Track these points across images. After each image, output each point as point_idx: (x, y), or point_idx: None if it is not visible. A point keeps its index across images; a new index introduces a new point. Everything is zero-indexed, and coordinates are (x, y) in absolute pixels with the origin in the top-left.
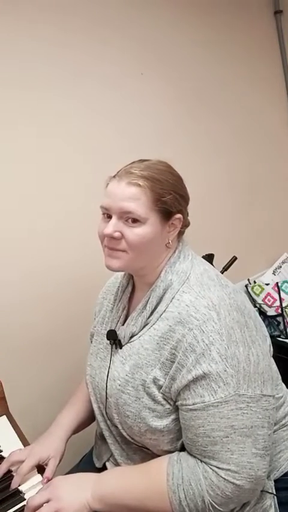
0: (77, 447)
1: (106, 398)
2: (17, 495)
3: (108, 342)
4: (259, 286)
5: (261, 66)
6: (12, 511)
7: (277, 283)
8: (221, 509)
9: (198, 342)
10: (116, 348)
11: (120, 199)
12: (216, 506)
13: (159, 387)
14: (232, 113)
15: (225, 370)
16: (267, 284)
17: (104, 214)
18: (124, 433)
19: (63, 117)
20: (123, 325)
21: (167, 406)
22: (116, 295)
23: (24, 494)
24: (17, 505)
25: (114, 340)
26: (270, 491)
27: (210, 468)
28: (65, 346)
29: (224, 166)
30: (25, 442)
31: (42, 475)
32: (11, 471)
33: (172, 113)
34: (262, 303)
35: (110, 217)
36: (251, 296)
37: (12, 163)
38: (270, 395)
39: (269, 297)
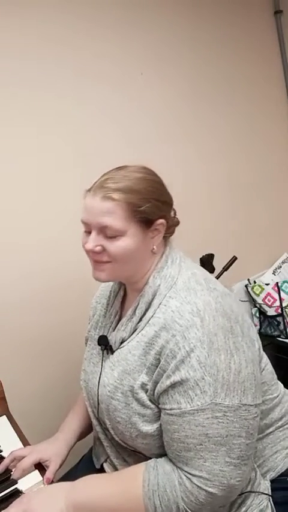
0: (77, 448)
1: (98, 404)
2: (17, 495)
3: (100, 347)
4: (259, 286)
5: (261, 66)
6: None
7: (277, 283)
8: None
9: (179, 348)
10: (107, 354)
11: (96, 214)
12: None
13: (146, 391)
14: (232, 113)
15: (203, 378)
16: (267, 284)
17: (84, 228)
18: (116, 438)
19: (63, 117)
20: (114, 330)
21: (156, 410)
22: (109, 300)
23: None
24: None
25: (105, 345)
26: (266, 492)
27: (185, 475)
28: (65, 347)
29: (224, 166)
30: (25, 442)
31: (42, 476)
32: (11, 471)
33: (172, 112)
34: (262, 303)
35: (90, 231)
36: (251, 296)
37: (11, 163)
38: (251, 405)
39: (269, 297)
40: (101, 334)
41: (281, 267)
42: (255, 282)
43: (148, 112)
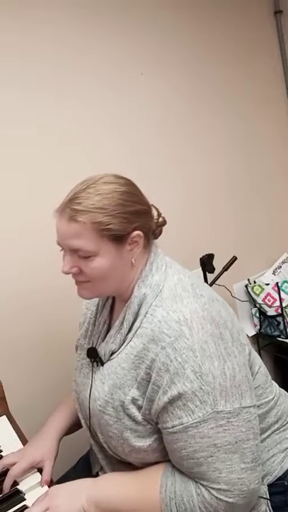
0: (75, 449)
1: (90, 417)
2: (17, 495)
3: (90, 359)
4: (259, 286)
5: (261, 66)
6: (12, 511)
7: (277, 283)
8: None
9: (171, 360)
10: (97, 366)
11: (65, 237)
12: None
13: (139, 408)
14: (232, 113)
15: (200, 388)
16: (267, 284)
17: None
18: (110, 452)
19: (63, 117)
20: (103, 340)
21: (149, 426)
22: (98, 308)
23: (24, 494)
24: (16, 505)
25: (94, 358)
26: (264, 496)
27: (203, 485)
28: (65, 346)
29: (224, 166)
30: (25, 442)
31: (41, 475)
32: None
33: (172, 113)
34: (262, 303)
35: None
36: (251, 296)
37: (11, 162)
38: (250, 406)
39: (269, 297)
40: (90, 344)
41: (281, 267)
42: (255, 282)
43: (148, 112)
